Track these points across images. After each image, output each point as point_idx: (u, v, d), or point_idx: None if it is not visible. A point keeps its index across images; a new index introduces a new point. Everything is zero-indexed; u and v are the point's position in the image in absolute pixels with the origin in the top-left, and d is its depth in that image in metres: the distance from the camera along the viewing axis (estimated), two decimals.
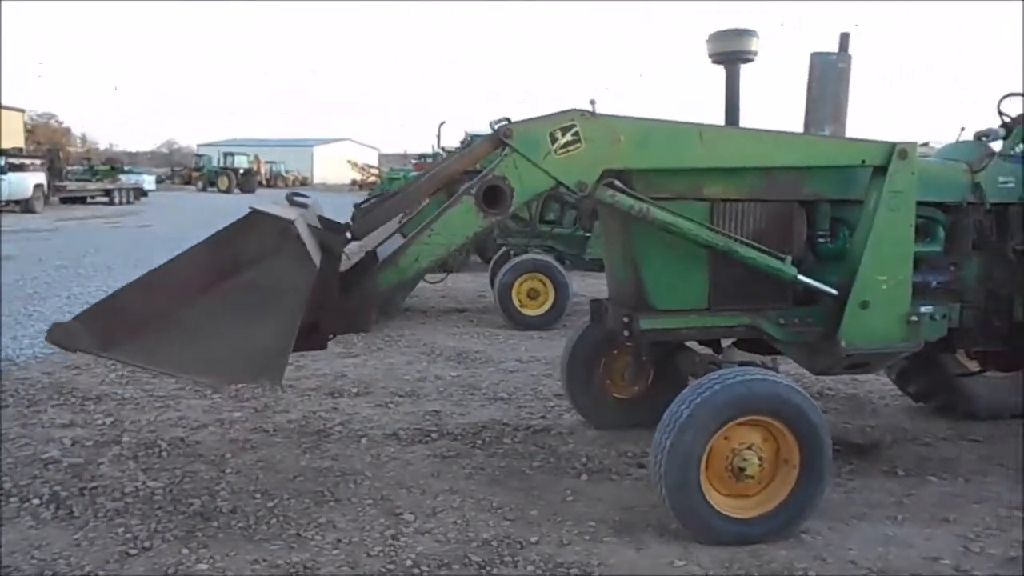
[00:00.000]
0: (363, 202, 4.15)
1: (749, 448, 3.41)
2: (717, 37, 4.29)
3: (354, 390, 5.76)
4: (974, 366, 5.11)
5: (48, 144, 44.12)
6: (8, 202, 26.59)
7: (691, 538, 3.41)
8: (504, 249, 10.06)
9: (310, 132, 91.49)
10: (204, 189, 50.79)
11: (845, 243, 4.02)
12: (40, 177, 28.61)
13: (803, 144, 3.93)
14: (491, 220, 3.50)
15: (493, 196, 3.46)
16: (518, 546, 3.37)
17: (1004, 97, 4.45)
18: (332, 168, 71.55)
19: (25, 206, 27.13)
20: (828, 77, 4.28)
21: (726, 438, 3.39)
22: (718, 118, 4.30)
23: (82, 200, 32.85)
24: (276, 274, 2.97)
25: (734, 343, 4.40)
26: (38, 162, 30.19)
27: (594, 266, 9.50)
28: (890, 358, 4.18)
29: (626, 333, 3.94)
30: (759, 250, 3.75)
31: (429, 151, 26.42)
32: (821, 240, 4.05)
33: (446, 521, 3.61)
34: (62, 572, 3.12)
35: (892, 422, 5.19)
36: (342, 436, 4.74)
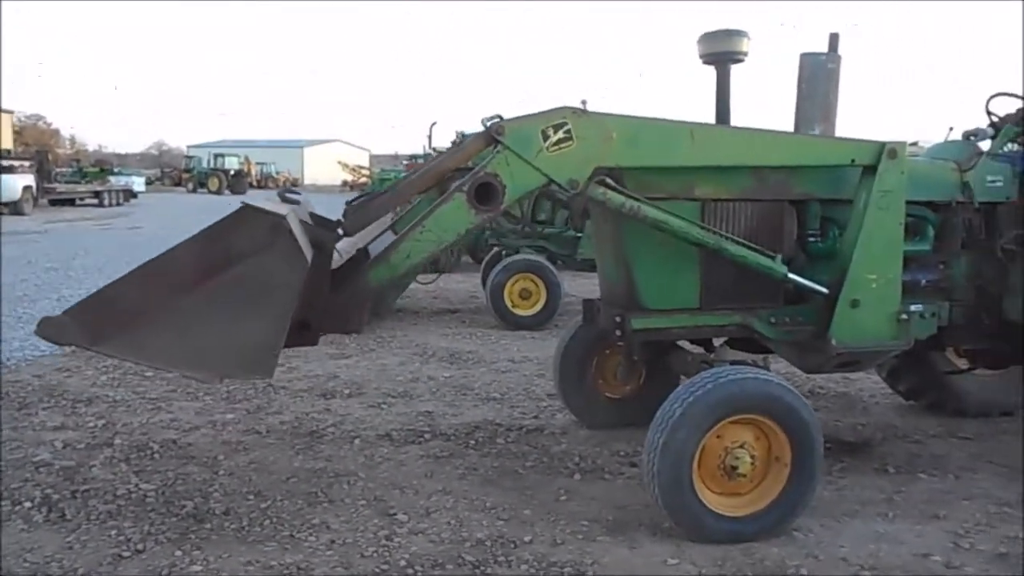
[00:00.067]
0: (354, 199, 4.15)
1: (741, 446, 3.43)
2: (707, 38, 4.30)
3: (347, 391, 5.76)
4: (964, 364, 5.15)
5: (37, 146, 43.91)
6: None
7: (684, 536, 3.42)
8: (496, 249, 10.07)
9: (301, 133, 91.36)
10: (194, 190, 50.65)
11: (835, 242, 4.04)
12: (29, 179, 28.44)
13: (793, 143, 3.95)
14: (483, 217, 3.50)
15: (485, 193, 3.45)
16: (512, 546, 3.38)
17: (992, 97, 4.49)
18: (323, 169, 71.42)
19: (14, 208, 26.96)
20: (818, 77, 4.30)
21: (718, 436, 3.41)
22: (710, 118, 4.33)
23: (71, 202, 32.71)
24: (267, 269, 2.96)
25: (726, 342, 4.42)
26: (27, 164, 29.98)
27: (586, 266, 9.51)
28: (880, 356, 4.21)
29: (618, 333, 3.95)
30: (749, 248, 3.77)
31: (420, 152, 26.42)
32: (811, 239, 4.08)
33: (440, 521, 3.61)
34: (55, 575, 3.11)
35: (883, 420, 5.22)
36: (335, 437, 4.74)
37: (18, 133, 52.01)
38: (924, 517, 3.74)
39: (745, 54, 4.31)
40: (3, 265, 12.89)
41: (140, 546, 3.31)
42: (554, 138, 3.48)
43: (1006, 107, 4.49)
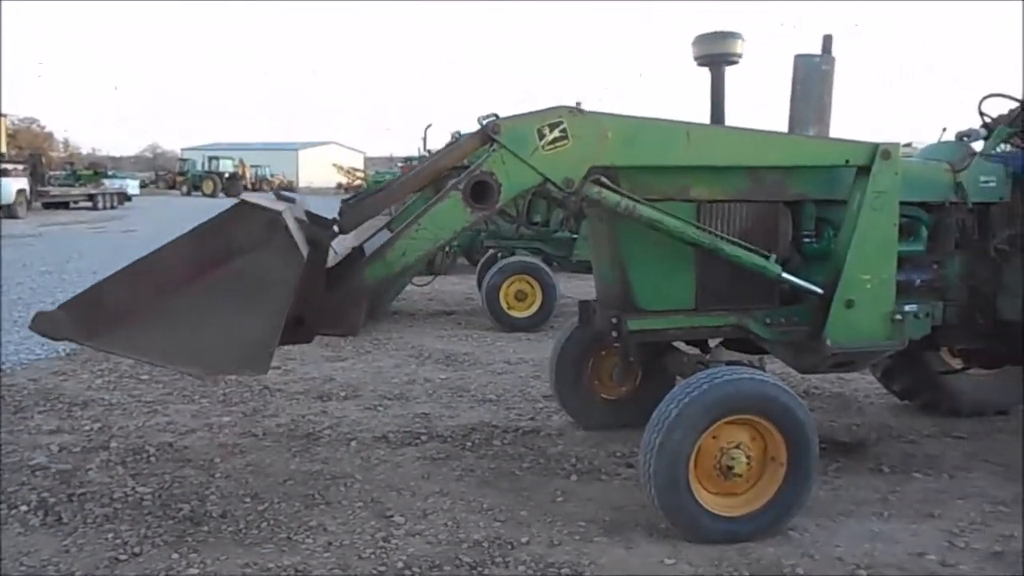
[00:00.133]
0: (349, 198, 4.16)
1: (737, 447, 3.44)
2: (702, 40, 4.32)
3: (343, 393, 5.76)
4: (958, 364, 5.17)
5: (30, 149, 43.75)
6: None
7: (680, 537, 3.43)
8: (491, 251, 10.08)
9: (296, 135, 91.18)
10: (189, 193, 50.52)
11: (830, 243, 4.05)
12: (23, 182, 28.36)
13: (788, 144, 3.97)
14: (478, 215, 3.50)
15: (480, 191, 3.45)
16: (509, 547, 3.39)
17: (985, 97, 4.52)
18: (318, 171, 71.29)
19: (8, 211, 26.86)
20: (812, 79, 4.32)
21: (714, 437, 3.42)
22: (706, 119, 4.34)
23: (65, 205, 32.62)
24: (263, 265, 2.96)
25: (721, 343, 4.44)
26: (20, 167, 29.91)
27: (581, 268, 9.52)
28: (875, 356, 4.23)
29: (614, 334, 3.96)
30: (744, 248, 3.78)
31: (416, 154, 26.39)
32: (806, 240, 4.09)
33: (437, 523, 3.62)
34: None
35: (877, 420, 5.24)
36: (331, 439, 4.74)
37: (12, 136, 51.74)
38: (919, 516, 3.75)
39: (739, 56, 4.33)
40: (1, 268, 12.87)
41: (137, 549, 3.30)
42: (550, 137, 3.49)
43: (999, 108, 4.52)
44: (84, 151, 71.99)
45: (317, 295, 3.39)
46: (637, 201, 3.62)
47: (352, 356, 7.01)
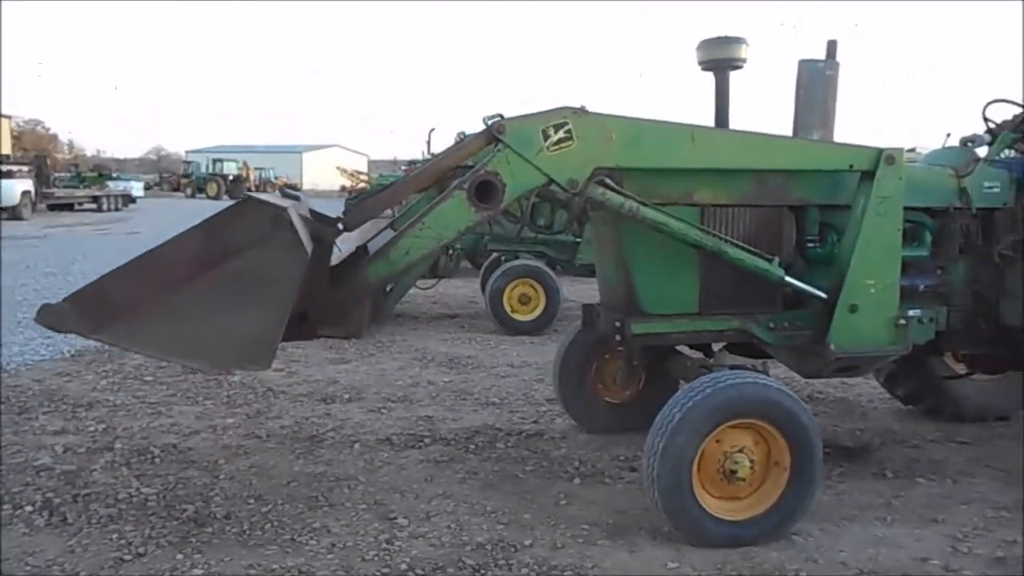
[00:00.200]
0: (352, 197, 4.16)
1: (740, 451, 3.44)
2: (706, 45, 4.32)
3: (346, 396, 5.77)
4: (961, 369, 5.16)
5: (35, 151, 43.88)
6: None
7: (683, 540, 3.43)
8: (495, 255, 10.09)
9: (299, 138, 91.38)
10: (193, 196, 50.64)
11: (834, 248, 4.06)
12: (28, 184, 28.47)
13: (793, 148, 3.97)
14: (482, 215, 3.50)
15: (485, 191, 3.46)
16: (512, 549, 3.39)
17: (989, 103, 4.52)
18: (321, 174, 71.38)
19: (13, 213, 26.97)
20: (816, 84, 4.32)
21: (718, 441, 3.42)
22: (708, 122, 4.34)
23: (70, 207, 32.71)
24: (268, 261, 2.97)
25: (725, 347, 4.44)
26: (25, 169, 30.00)
27: (585, 271, 9.54)
28: (879, 361, 4.23)
29: (618, 337, 3.96)
30: (747, 251, 3.79)
31: (419, 157, 26.43)
32: (810, 245, 4.09)
33: (440, 525, 3.62)
34: None
35: (881, 425, 5.23)
36: (335, 442, 4.75)
37: (16, 138, 51.94)
38: (923, 521, 3.75)
39: (744, 61, 4.33)
40: (3, 270, 12.90)
41: (141, 550, 3.32)
42: (554, 138, 3.50)
43: (1003, 113, 4.53)
44: (89, 153, 72.29)
45: (321, 292, 3.40)
46: (641, 203, 3.62)
47: (356, 359, 7.02)
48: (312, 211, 3.56)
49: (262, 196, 3.12)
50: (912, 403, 5.45)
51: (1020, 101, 4.45)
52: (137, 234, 21.82)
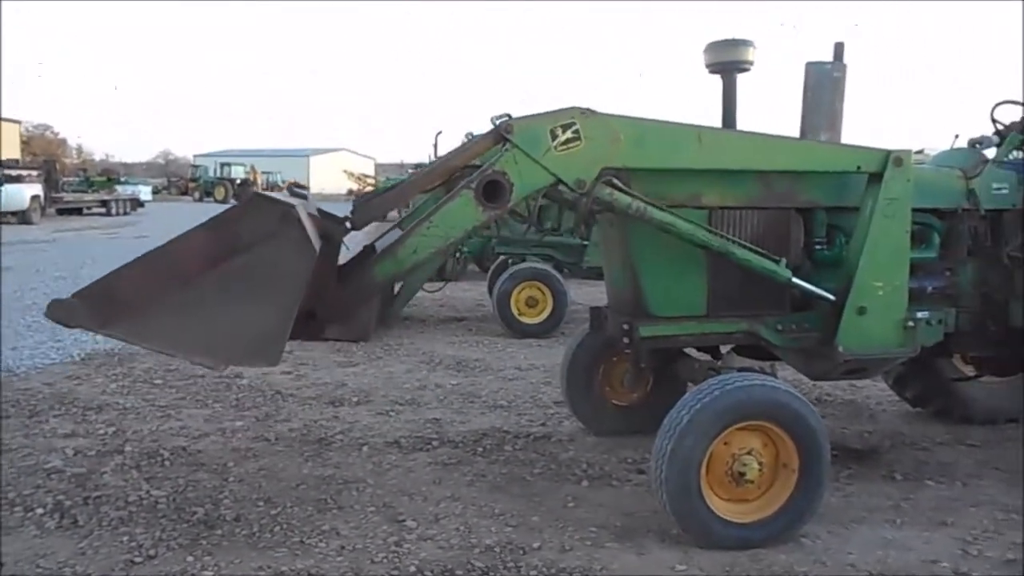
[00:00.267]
0: (362, 196, 4.17)
1: (749, 453, 3.44)
2: (713, 47, 4.33)
3: (354, 399, 5.78)
4: (970, 371, 5.15)
5: (44, 155, 44.18)
6: (5, 213, 26.63)
7: (692, 543, 3.43)
8: (502, 258, 10.10)
9: (306, 142, 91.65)
10: (201, 199, 50.79)
11: (842, 250, 4.05)
12: (37, 188, 28.65)
13: (800, 148, 3.97)
14: (490, 214, 3.50)
15: (492, 191, 3.46)
16: (520, 552, 3.40)
17: (997, 105, 4.51)
18: (329, 177, 71.56)
19: (22, 217, 27.16)
20: (823, 86, 4.33)
21: (726, 443, 3.42)
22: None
23: (79, 211, 32.89)
24: (276, 257, 2.98)
25: (733, 349, 4.44)
26: (35, 173, 30.21)
27: (592, 274, 9.55)
28: (887, 363, 4.22)
29: (625, 340, 3.97)
30: (754, 251, 3.79)
31: (426, 160, 26.48)
32: (818, 247, 4.10)
33: (448, 528, 3.63)
34: None
35: (890, 427, 5.23)
36: (343, 444, 4.76)
37: (26, 143, 52.36)
38: (932, 524, 3.74)
39: (751, 63, 4.33)
40: (13, 274, 12.99)
41: (152, 552, 3.33)
42: (562, 138, 3.50)
43: (1011, 115, 4.52)
44: (97, 157, 72.61)
45: (328, 290, 3.41)
46: (648, 203, 3.62)
47: (363, 362, 7.04)
48: (320, 210, 3.58)
49: (270, 194, 3.13)
50: (921, 405, 5.43)
51: None
52: (145, 238, 21.87)
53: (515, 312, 8.46)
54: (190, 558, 3.29)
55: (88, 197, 34.87)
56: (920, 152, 6.55)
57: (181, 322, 3.01)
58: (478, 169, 3.55)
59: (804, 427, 3.43)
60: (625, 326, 3.95)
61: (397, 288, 8.86)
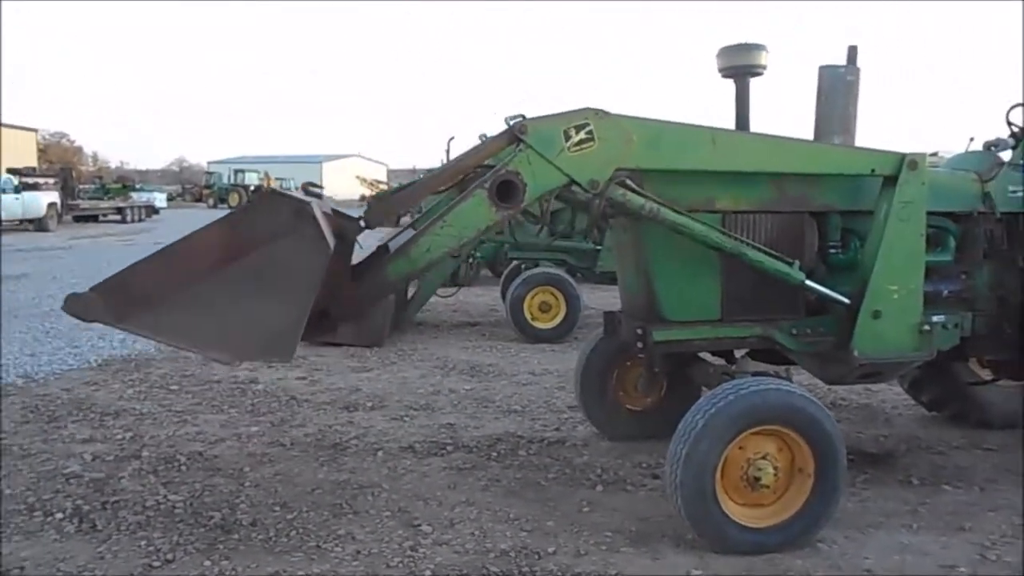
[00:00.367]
0: (375, 196, 4.18)
1: (764, 458, 3.43)
2: (726, 52, 4.32)
3: (369, 404, 5.81)
4: (987, 375, 5.11)
5: (61, 163, 44.54)
6: (22, 220, 26.92)
7: (707, 548, 3.43)
8: (515, 263, 10.11)
9: (319, 148, 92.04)
10: (215, 206, 51.01)
11: (856, 253, 4.04)
12: (53, 196, 28.96)
13: (814, 151, 3.96)
14: (503, 214, 3.51)
15: (506, 191, 3.46)
16: (536, 556, 3.40)
17: (1013, 107, 4.49)
18: (341, 183, 71.87)
19: (39, 224, 27.44)
20: (837, 90, 4.32)
21: (741, 448, 3.42)
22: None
23: (95, 218, 33.17)
24: (291, 253, 2.99)
25: (747, 353, 4.43)
26: (51, 181, 30.53)
27: (605, 279, 9.53)
28: (903, 367, 4.20)
29: (639, 345, 3.97)
30: (767, 253, 3.78)
31: (438, 166, 26.52)
32: (832, 251, 4.09)
33: (463, 532, 3.64)
34: None
35: (906, 431, 5.20)
36: (358, 449, 4.78)
37: (42, 151, 52.82)
38: (949, 529, 3.72)
39: (764, 67, 4.33)
40: (30, 281, 13.11)
41: (170, 556, 3.36)
42: (576, 138, 3.51)
43: None
44: (112, 165, 73.24)
45: (342, 289, 3.42)
46: (661, 204, 3.62)
47: (377, 367, 7.06)
48: (334, 209, 3.60)
49: (285, 191, 3.16)
50: (937, 409, 5.40)
51: None
52: (161, 244, 22.01)
53: (528, 317, 8.46)
54: (207, 562, 3.31)
55: (104, 204, 35.16)
56: (934, 155, 6.52)
57: (196, 317, 3.03)
58: (491, 169, 3.56)
59: (819, 431, 3.42)
60: (639, 331, 3.95)
61: (411, 293, 8.89)
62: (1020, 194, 4.28)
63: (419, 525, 3.70)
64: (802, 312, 4.02)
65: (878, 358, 3.86)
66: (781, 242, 3.94)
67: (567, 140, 3.50)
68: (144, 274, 3.03)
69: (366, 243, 3.76)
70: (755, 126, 4.33)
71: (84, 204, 33.62)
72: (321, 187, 3.86)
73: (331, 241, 3.09)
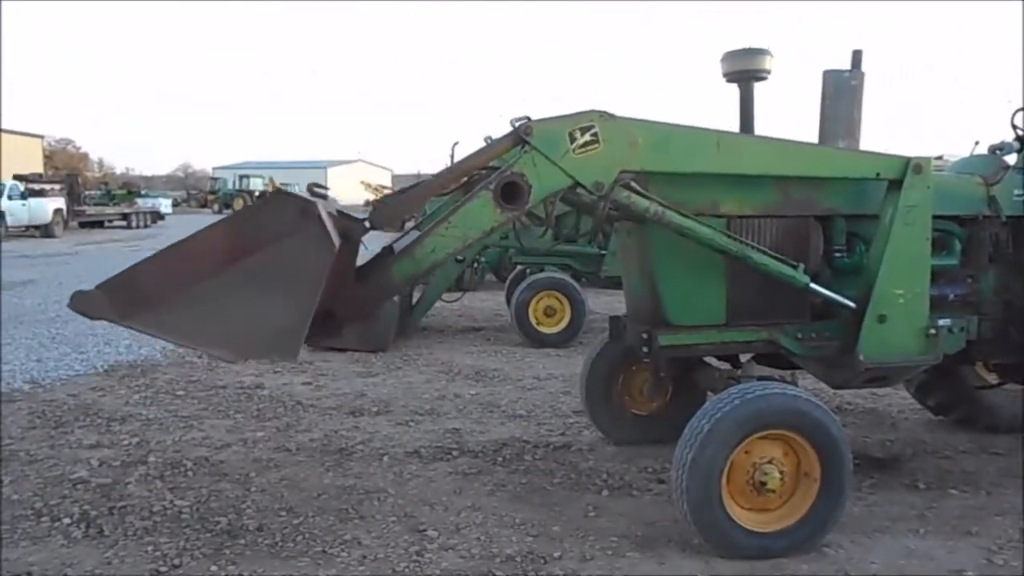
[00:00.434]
0: (381, 198, 4.20)
1: (770, 462, 3.43)
2: (730, 56, 4.34)
3: (374, 409, 5.81)
4: (993, 379, 5.10)
5: (66, 169, 44.76)
6: (29, 227, 27.04)
7: (713, 552, 3.42)
8: (520, 267, 10.12)
9: (324, 153, 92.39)
10: (220, 212, 51.09)
11: (862, 258, 4.04)
12: (59, 202, 29.10)
13: (819, 155, 3.96)
14: (508, 215, 3.51)
15: (511, 192, 3.46)
16: (542, 561, 3.40)
17: (1017, 111, 4.48)
18: (346, 188, 72.01)
19: (45, 231, 27.57)
20: (841, 94, 4.32)
21: (747, 452, 3.41)
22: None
23: (100, 224, 33.28)
24: (296, 252, 2.99)
25: (753, 358, 4.43)
26: (57, 187, 30.66)
27: (610, 283, 9.54)
28: (909, 371, 4.19)
29: (645, 349, 3.97)
30: (772, 256, 3.77)
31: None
32: (838, 255, 4.08)
33: (470, 537, 3.64)
34: None
35: (912, 435, 5.19)
36: (364, 454, 4.79)
37: (48, 157, 53.03)
38: (956, 533, 3.71)
39: (768, 72, 4.34)
40: (36, 287, 13.16)
41: (176, 561, 3.37)
42: (581, 140, 3.51)
43: None
44: (118, 171, 73.46)
45: (347, 290, 3.43)
46: (666, 206, 3.63)
47: (383, 372, 7.07)
48: (339, 210, 3.61)
49: (291, 191, 3.17)
50: (943, 413, 5.39)
51: None
52: None
53: (533, 322, 8.47)
54: (214, 567, 3.32)
55: (109, 210, 35.31)
56: (940, 158, 6.52)
57: (201, 315, 3.03)
58: (496, 171, 3.57)
59: (825, 436, 3.42)
60: (644, 335, 3.95)
61: (416, 298, 8.90)
62: None
63: (425, 530, 3.70)
64: (807, 316, 4.02)
65: (884, 362, 3.86)
66: (786, 246, 3.94)
67: (572, 142, 3.50)
68: (150, 272, 3.04)
69: (371, 246, 3.77)
70: (759, 129, 4.34)
71: (90, 210, 33.78)
72: (327, 188, 3.86)
73: (336, 240, 3.10)
